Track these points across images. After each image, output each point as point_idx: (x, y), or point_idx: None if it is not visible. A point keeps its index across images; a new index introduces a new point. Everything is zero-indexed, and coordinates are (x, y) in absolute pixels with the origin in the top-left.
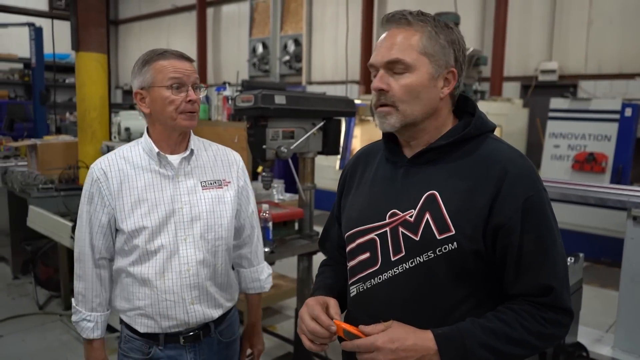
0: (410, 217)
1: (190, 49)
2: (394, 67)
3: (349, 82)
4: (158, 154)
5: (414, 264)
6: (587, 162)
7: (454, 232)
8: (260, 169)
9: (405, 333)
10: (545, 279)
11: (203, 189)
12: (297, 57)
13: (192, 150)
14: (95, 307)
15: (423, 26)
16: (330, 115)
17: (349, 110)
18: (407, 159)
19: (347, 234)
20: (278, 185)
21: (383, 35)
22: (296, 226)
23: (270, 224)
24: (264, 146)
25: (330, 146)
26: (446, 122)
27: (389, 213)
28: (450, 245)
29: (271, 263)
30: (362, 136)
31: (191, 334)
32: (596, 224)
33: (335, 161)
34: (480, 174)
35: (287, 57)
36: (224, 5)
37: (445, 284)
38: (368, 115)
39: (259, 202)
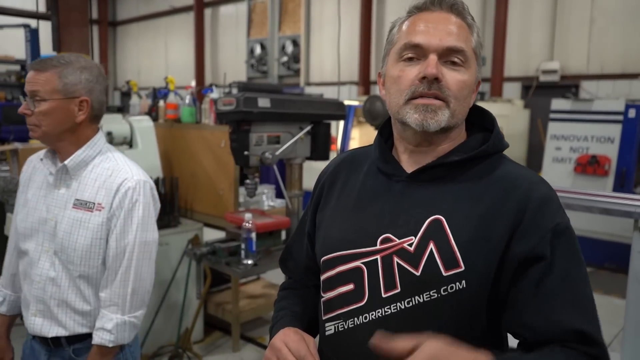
0: (410, 245)
1: (187, 50)
2: (452, 56)
3: (348, 83)
4: (53, 158)
5: (411, 304)
6: (589, 165)
7: (463, 267)
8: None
9: (449, 353)
10: (582, 324)
11: (73, 207)
12: (296, 58)
13: (64, 165)
14: (6, 285)
15: (473, 21)
16: (319, 119)
17: (339, 113)
18: (407, 174)
19: (325, 258)
20: (268, 191)
21: (426, 15)
22: (283, 235)
23: (253, 235)
24: (247, 152)
25: (319, 151)
26: (462, 134)
27: (382, 237)
28: (458, 284)
29: (257, 274)
30: (360, 138)
31: (42, 337)
32: (600, 229)
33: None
34: (497, 199)
35: (285, 58)
36: (222, 5)
37: (448, 331)
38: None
39: (243, 211)
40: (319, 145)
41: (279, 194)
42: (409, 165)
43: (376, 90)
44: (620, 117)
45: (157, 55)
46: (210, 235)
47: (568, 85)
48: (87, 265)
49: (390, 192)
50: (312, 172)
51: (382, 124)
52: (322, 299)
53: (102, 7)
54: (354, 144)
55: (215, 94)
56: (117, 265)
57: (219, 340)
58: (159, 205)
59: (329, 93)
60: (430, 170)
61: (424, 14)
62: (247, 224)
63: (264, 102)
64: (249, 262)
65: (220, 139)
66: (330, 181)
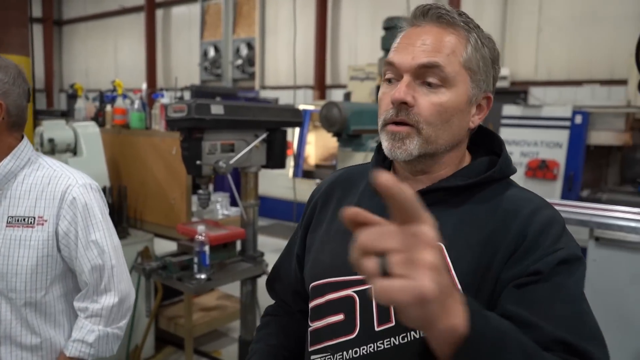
0: None
1: (138, 51)
2: (428, 75)
3: (303, 87)
4: None
5: (406, 340)
6: (539, 169)
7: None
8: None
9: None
10: (578, 338)
11: (7, 226)
12: (250, 61)
13: None
14: None
15: (469, 31)
16: (274, 126)
17: (296, 120)
18: None
19: (314, 284)
20: (222, 199)
21: (412, 30)
22: (239, 247)
23: (206, 248)
24: (199, 161)
25: (275, 159)
26: (463, 158)
27: None
28: None
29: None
30: (316, 143)
31: None
32: None
33: (288, 168)
34: (499, 226)
35: (239, 61)
36: (174, 6)
37: None
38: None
39: (196, 222)
40: (275, 153)
41: (234, 202)
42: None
43: (332, 95)
44: (568, 123)
45: (106, 56)
46: (161, 246)
47: (517, 92)
48: (33, 289)
49: (387, 216)
50: (268, 180)
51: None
52: (310, 329)
53: (46, 5)
54: (310, 148)
55: (166, 99)
56: (96, 278)
57: (171, 356)
58: (107, 210)
59: (285, 97)
60: (431, 194)
61: (412, 29)
62: (200, 237)
63: (217, 109)
64: (202, 276)
65: (172, 146)
66: (323, 201)
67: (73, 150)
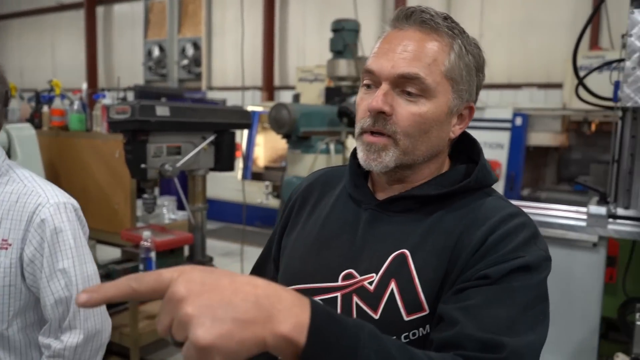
0: (370, 283)
1: (78, 50)
2: (407, 85)
3: (252, 88)
4: None
5: None
6: None
7: (427, 311)
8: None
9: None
10: (497, 334)
11: None
12: (197, 61)
13: None
14: None
15: (453, 38)
16: (223, 128)
17: (244, 122)
18: (377, 202)
19: None
20: (169, 203)
21: (393, 33)
22: (186, 252)
23: (153, 254)
24: (144, 165)
25: (223, 162)
26: (443, 167)
27: (344, 273)
28: (421, 329)
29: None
30: (265, 144)
31: None
32: None
33: (237, 170)
34: (466, 230)
35: (185, 61)
36: (116, 4)
37: None
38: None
39: (141, 227)
40: (224, 156)
41: (181, 206)
42: (381, 193)
43: (281, 96)
44: (509, 125)
45: (42, 55)
46: (105, 253)
47: None
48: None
49: (358, 222)
50: (216, 182)
51: None
52: None
53: None
54: (259, 150)
55: (108, 100)
56: (59, 314)
57: None
58: (87, 229)
59: (232, 98)
60: (402, 200)
61: (393, 32)
62: (145, 243)
63: (162, 111)
64: None
65: (115, 149)
66: (301, 202)
67: (6, 154)
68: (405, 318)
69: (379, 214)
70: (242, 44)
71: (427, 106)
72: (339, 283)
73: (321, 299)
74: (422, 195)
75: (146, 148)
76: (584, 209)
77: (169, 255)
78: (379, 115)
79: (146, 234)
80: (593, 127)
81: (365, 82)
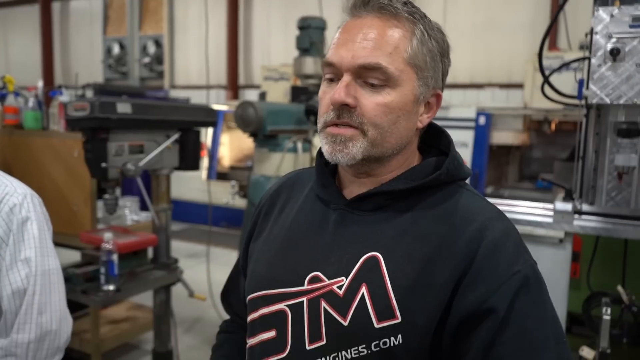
0: (339, 287)
1: (33, 46)
2: (369, 75)
3: (216, 87)
4: None
5: None
6: None
7: (399, 319)
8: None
9: None
10: None
11: None
12: (159, 59)
13: None
14: None
15: (414, 23)
16: (187, 126)
17: (210, 120)
18: (345, 201)
19: (250, 297)
20: (131, 203)
21: (352, 22)
22: (150, 254)
23: (114, 257)
24: (104, 164)
25: (188, 161)
26: (412, 159)
27: (310, 276)
28: (393, 339)
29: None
30: (230, 144)
31: None
32: None
33: (202, 170)
34: (445, 239)
35: (147, 59)
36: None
37: None
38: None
39: (102, 229)
40: (189, 154)
41: (144, 206)
42: (350, 192)
43: (245, 95)
44: (472, 124)
45: None
46: (63, 256)
47: None
48: None
49: (326, 223)
50: (180, 182)
51: None
52: (247, 346)
53: None
54: (223, 150)
55: (65, 97)
56: (14, 306)
57: None
58: (51, 225)
59: (196, 97)
60: (372, 198)
61: (352, 21)
62: (106, 245)
63: (123, 108)
64: (111, 287)
65: (73, 148)
66: (268, 207)
67: None
68: (376, 325)
69: (348, 214)
70: (207, 41)
71: (392, 95)
72: (305, 287)
73: (287, 305)
74: (392, 191)
75: (107, 146)
76: (550, 206)
77: (132, 258)
78: (343, 107)
79: (107, 235)
80: (553, 126)
81: (326, 75)
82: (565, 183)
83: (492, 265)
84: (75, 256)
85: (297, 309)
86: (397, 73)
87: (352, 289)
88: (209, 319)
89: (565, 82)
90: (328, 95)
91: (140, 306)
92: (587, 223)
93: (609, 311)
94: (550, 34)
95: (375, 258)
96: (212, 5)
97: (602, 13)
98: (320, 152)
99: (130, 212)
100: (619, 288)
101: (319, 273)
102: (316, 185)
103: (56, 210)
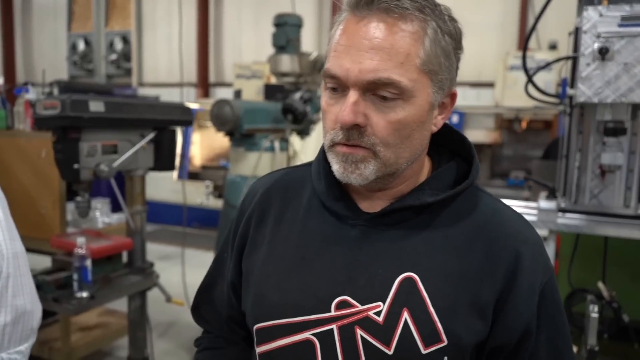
0: (377, 314)
1: None
2: (380, 89)
3: (186, 85)
4: None
5: None
6: None
7: (446, 342)
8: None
9: None
10: None
11: None
12: (127, 56)
13: None
14: None
15: (425, 21)
16: (163, 125)
17: (186, 118)
18: (367, 216)
19: (260, 326)
20: (102, 205)
21: (353, 24)
22: (125, 258)
23: (88, 262)
24: (76, 165)
25: (164, 161)
26: (424, 164)
27: (337, 301)
28: None
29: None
30: (201, 143)
31: None
32: None
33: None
34: (482, 253)
35: (114, 56)
36: None
37: None
38: (207, 120)
39: (73, 233)
40: (164, 155)
41: (116, 208)
42: (365, 203)
43: (216, 93)
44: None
45: None
46: (32, 262)
47: None
48: None
49: (345, 240)
50: (150, 183)
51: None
52: None
53: None
54: (195, 149)
55: (31, 94)
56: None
57: None
58: (8, 212)
59: (165, 95)
60: (397, 212)
61: (353, 20)
62: (79, 250)
63: (96, 106)
64: (84, 294)
65: (41, 148)
66: (259, 216)
67: None
68: (423, 351)
69: (369, 230)
70: (181, 38)
71: (406, 110)
72: (333, 313)
73: (313, 334)
74: (421, 205)
75: (79, 147)
76: (533, 204)
77: (106, 263)
78: (353, 127)
79: (80, 240)
80: (524, 124)
81: (328, 84)
82: (548, 182)
83: (530, 282)
84: (45, 262)
85: (325, 338)
86: (411, 84)
87: (393, 314)
88: (185, 322)
89: (537, 80)
90: (334, 110)
91: (113, 311)
92: (570, 221)
93: (596, 309)
94: (520, 34)
95: (411, 279)
96: (182, 2)
97: (591, 12)
98: (323, 157)
99: (101, 214)
100: (600, 284)
101: (347, 297)
102: (325, 198)
103: (23, 214)
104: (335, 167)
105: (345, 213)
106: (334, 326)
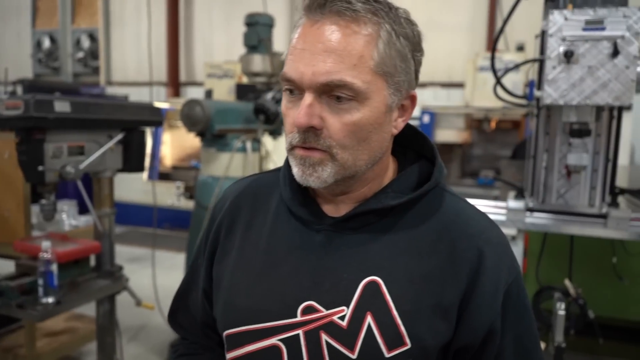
0: (341, 318)
1: None
2: (334, 90)
3: (156, 84)
4: None
5: None
6: None
7: (409, 345)
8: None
9: None
10: None
11: None
12: (94, 54)
13: None
14: None
15: (378, 24)
16: (131, 126)
17: (155, 119)
18: (332, 221)
19: (229, 332)
20: (69, 207)
21: (308, 27)
22: (93, 261)
23: (54, 267)
24: (41, 167)
25: (133, 162)
26: (388, 166)
27: (303, 306)
28: None
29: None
30: (172, 143)
31: None
32: None
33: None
34: (445, 254)
35: (81, 54)
36: None
37: None
38: (178, 120)
39: (38, 237)
40: (133, 155)
41: (83, 210)
42: (331, 209)
43: (187, 92)
44: (418, 122)
45: None
46: None
47: None
48: None
49: (310, 245)
50: (119, 184)
51: None
52: None
53: None
54: (165, 149)
55: None
56: None
57: None
58: None
59: (134, 94)
60: (359, 216)
61: (308, 23)
62: (45, 254)
63: (62, 106)
64: (50, 300)
65: (4, 150)
66: (229, 222)
67: None
68: (387, 355)
69: (333, 234)
70: (150, 36)
71: (361, 111)
72: (299, 318)
73: (280, 339)
74: (383, 208)
75: (43, 148)
76: (502, 204)
77: (73, 267)
78: (308, 130)
79: (45, 244)
80: (493, 124)
81: (286, 87)
82: (516, 182)
83: (493, 282)
84: (8, 266)
85: (292, 343)
86: (365, 86)
87: (357, 318)
88: (155, 325)
89: (505, 81)
90: (292, 113)
91: (81, 316)
92: (538, 220)
93: (562, 307)
94: (489, 36)
95: (375, 283)
96: None
97: (557, 16)
98: (288, 163)
99: (68, 216)
100: (566, 282)
101: (313, 302)
102: (291, 203)
103: None
104: (295, 170)
105: (310, 218)
106: (300, 331)
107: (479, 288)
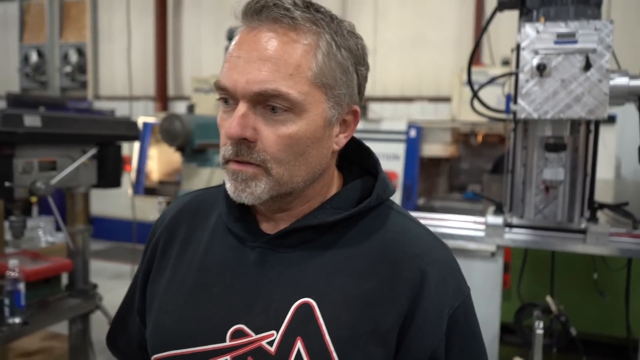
0: (270, 343)
1: None
2: (269, 100)
3: (143, 98)
4: None
5: None
6: None
7: None
8: (34, 199)
9: None
10: None
11: None
12: (82, 68)
13: None
14: None
15: (318, 34)
16: (106, 140)
17: (131, 133)
18: (266, 238)
19: (157, 356)
20: (45, 224)
21: (244, 34)
22: (65, 279)
23: (21, 286)
24: (9, 183)
25: (108, 177)
26: (332, 182)
27: (232, 330)
28: None
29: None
30: (159, 157)
31: None
32: None
33: (127, 185)
34: (384, 276)
35: (69, 68)
36: None
37: None
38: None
39: (9, 254)
40: (108, 171)
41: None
42: (269, 226)
43: (175, 107)
44: (404, 137)
45: None
46: None
47: None
48: None
49: (244, 263)
50: (103, 199)
51: None
52: None
53: None
54: (152, 164)
55: None
56: None
57: None
58: None
59: (122, 108)
60: (296, 233)
61: (246, 30)
62: (11, 273)
63: (32, 121)
64: (17, 320)
65: None
66: (166, 239)
67: None
68: None
69: (269, 252)
70: (129, 50)
71: (298, 124)
72: (228, 343)
73: None
74: (320, 225)
75: (12, 163)
76: (481, 219)
77: (43, 286)
78: (241, 142)
79: (12, 262)
80: (479, 138)
81: (222, 96)
82: (495, 197)
83: (436, 305)
84: None
85: None
86: (301, 97)
87: (286, 344)
88: None
89: (490, 96)
90: (226, 124)
91: (56, 335)
92: (517, 236)
93: (541, 325)
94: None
95: (308, 305)
96: (140, 14)
97: (529, 29)
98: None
99: (44, 233)
100: (548, 298)
101: (242, 326)
102: (227, 218)
103: None
104: (228, 186)
105: (245, 235)
106: (228, 357)
107: (420, 312)
